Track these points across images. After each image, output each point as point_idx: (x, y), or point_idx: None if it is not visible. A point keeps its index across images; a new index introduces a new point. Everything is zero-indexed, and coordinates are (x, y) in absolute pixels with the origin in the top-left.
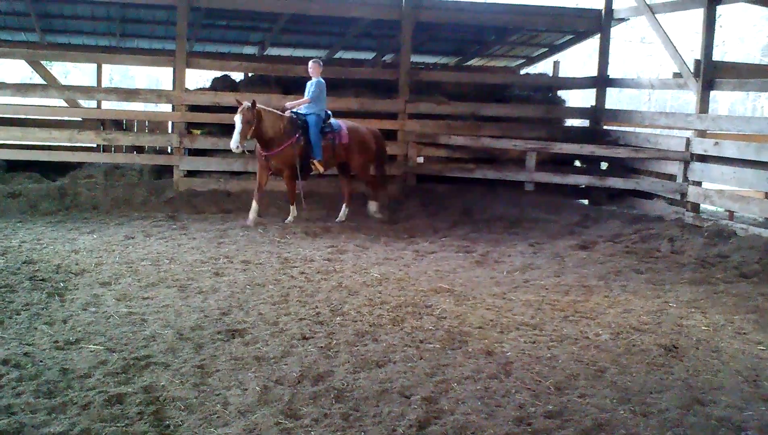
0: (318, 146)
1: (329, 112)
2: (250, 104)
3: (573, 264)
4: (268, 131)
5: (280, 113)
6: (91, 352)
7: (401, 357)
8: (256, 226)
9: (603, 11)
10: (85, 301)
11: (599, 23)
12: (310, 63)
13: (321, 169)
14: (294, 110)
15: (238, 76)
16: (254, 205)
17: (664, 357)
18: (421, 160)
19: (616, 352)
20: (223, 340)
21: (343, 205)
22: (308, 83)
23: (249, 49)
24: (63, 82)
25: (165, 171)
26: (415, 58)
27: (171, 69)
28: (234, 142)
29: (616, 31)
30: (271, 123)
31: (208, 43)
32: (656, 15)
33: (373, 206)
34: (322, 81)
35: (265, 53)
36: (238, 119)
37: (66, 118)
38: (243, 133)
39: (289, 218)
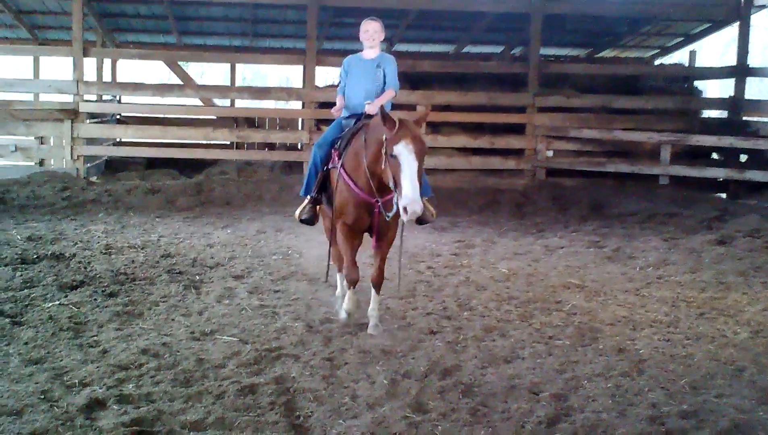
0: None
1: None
2: (420, 115)
3: (710, 260)
4: None
5: None
6: (225, 343)
7: (530, 353)
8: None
9: None
10: (220, 293)
11: (738, 11)
12: (371, 23)
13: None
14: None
15: None
16: (350, 294)
17: None
18: (550, 153)
19: (755, 350)
20: (351, 334)
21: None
22: (364, 59)
23: None
24: (198, 81)
25: (295, 167)
26: (544, 51)
27: (301, 67)
28: (418, 202)
29: (756, 19)
30: None
31: (337, 41)
32: None
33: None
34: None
35: (393, 49)
36: (409, 150)
37: (201, 117)
38: (421, 170)
39: (374, 318)
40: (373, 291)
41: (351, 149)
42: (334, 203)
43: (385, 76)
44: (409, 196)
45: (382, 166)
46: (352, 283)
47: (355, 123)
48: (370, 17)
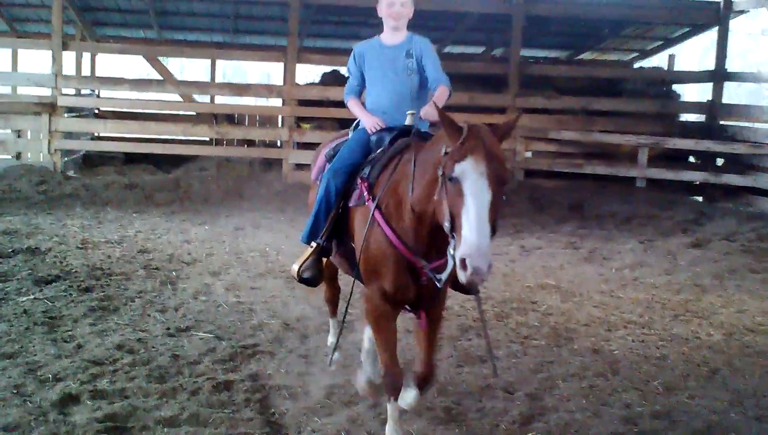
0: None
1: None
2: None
3: (685, 262)
4: None
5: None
6: (201, 339)
7: (505, 353)
8: None
9: (722, 3)
10: (196, 289)
11: (717, 15)
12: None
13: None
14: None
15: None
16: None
17: None
18: (529, 154)
19: (728, 353)
20: (327, 331)
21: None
22: (387, 46)
23: None
24: (178, 77)
25: (274, 164)
26: (525, 52)
27: (282, 64)
28: (484, 253)
29: (735, 24)
30: None
31: (319, 39)
32: None
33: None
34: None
35: None
36: (480, 172)
37: (181, 113)
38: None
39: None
40: (414, 391)
41: (390, 179)
42: (361, 259)
43: (423, 69)
44: (472, 242)
45: (435, 197)
46: (395, 392)
47: (392, 141)
48: None
